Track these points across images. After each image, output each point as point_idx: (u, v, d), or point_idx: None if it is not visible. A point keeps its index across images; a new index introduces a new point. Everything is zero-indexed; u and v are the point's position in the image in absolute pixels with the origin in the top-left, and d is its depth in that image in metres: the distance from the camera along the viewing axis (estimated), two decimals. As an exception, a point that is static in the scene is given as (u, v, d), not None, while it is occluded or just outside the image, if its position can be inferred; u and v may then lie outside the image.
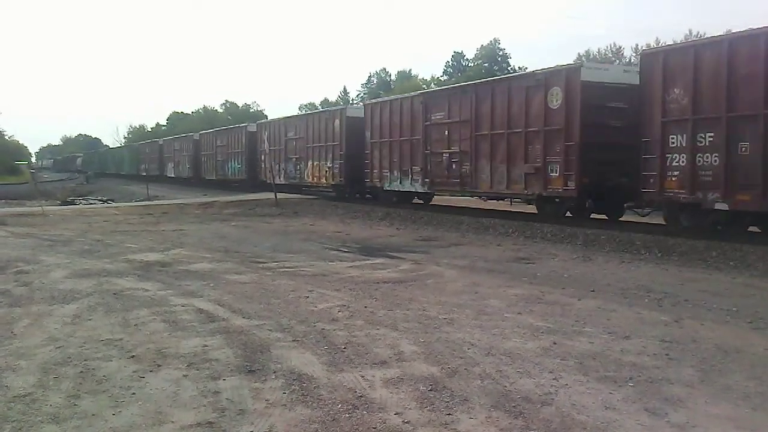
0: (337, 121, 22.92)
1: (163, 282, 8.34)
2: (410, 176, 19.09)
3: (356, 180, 22.14)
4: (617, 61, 56.80)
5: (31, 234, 14.28)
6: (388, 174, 20.19)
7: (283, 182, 26.56)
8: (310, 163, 24.98)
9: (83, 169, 75.68)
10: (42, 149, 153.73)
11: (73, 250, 11.46)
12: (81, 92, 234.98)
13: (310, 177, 25.00)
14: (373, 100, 25.28)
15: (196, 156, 38.79)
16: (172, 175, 43.49)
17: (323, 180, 24.18)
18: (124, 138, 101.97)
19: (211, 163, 36.23)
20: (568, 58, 77.31)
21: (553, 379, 4.56)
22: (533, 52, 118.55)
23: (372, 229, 15.89)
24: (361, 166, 21.39)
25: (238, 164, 32.14)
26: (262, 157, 28.59)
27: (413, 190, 19.32)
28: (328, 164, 23.39)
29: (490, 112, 15.69)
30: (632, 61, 51.19)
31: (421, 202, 20.79)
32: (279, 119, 29.85)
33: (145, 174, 45.50)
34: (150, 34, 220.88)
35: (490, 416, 3.89)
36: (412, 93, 20.95)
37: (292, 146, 26.61)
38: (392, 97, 23.79)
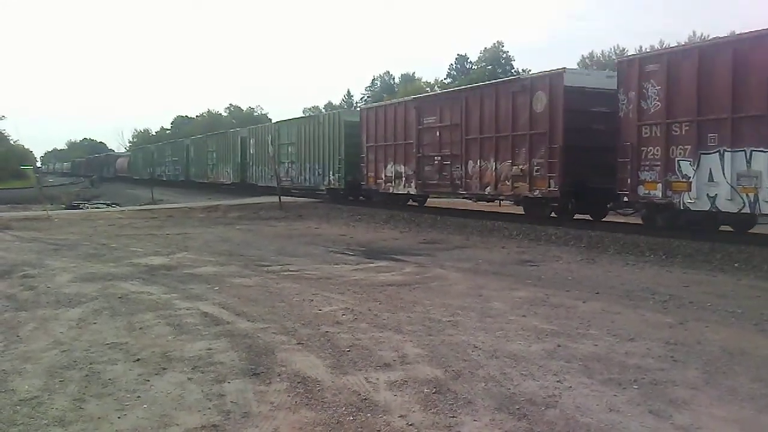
0: (541, 95, 14.20)
1: (167, 285, 8.36)
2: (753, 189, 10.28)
3: (582, 186, 14.09)
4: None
5: (36, 238, 14.35)
6: (687, 180, 11.35)
7: (414, 192, 19.16)
8: (472, 163, 16.43)
9: (128, 174, 56.65)
10: (47, 153, 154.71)
11: (78, 254, 11.51)
12: (84, 98, 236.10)
13: (477, 183, 16.30)
14: (638, 55, 14.42)
15: (242, 158, 32.07)
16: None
17: (507, 187, 15.36)
18: (129, 142, 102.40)
19: (272, 166, 27.71)
20: (571, 61, 77.31)
21: (558, 381, 4.56)
22: (536, 54, 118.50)
23: (376, 232, 15.90)
24: (594, 164, 13.51)
25: (319, 167, 24.13)
26: (366, 152, 21.07)
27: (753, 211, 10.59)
28: (521, 164, 14.78)
29: None
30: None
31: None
32: (404, 99, 21.00)
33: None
34: (154, 39, 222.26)
35: (494, 418, 3.90)
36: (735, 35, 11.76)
37: (432, 138, 17.93)
38: (683, 46, 13.09)
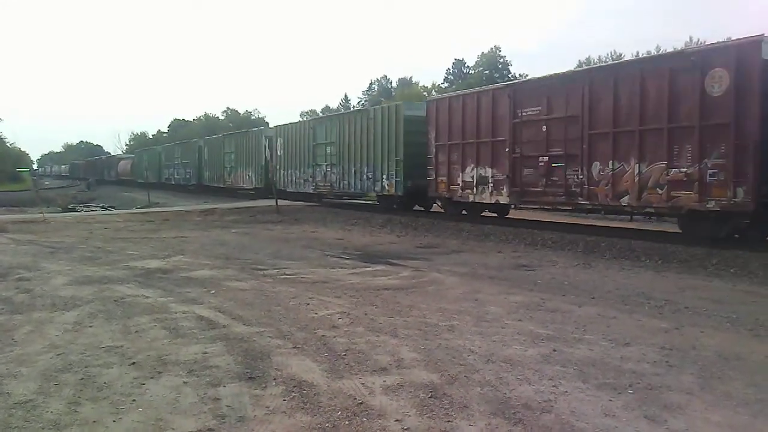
0: (720, 73, 10.79)
1: (163, 289, 8.35)
2: None
3: None
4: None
5: (32, 241, 14.31)
6: None
7: (506, 201, 15.62)
8: (599, 165, 12.99)
9: (132, 177, 51.44)
10: (43, 156, 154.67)
11: (74, 257, 11.48)
12: (81, 100, 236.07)
13: (607, 192, 12.79)
14: None
15: (266, 161, 29.05)
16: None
17: (659, 197, 11.82)
18: (126, 145, 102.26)
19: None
20: (568, 65, 77.58)
21: (553, 386, 4.57)
22: (533, 59, 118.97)
23: (372, 236, 15.89)
24: None
25: (368, 170, 20.90)
26: (435, 152, 17.57)
27: None
28: (685, 167, 11.34)
29: None
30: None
31: None
32: (492, 87, 16.63)
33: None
34: (151, 41, 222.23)
35: (490, 423, 3.90)
36: None
37: (535, 134, 14.49)
38: None
